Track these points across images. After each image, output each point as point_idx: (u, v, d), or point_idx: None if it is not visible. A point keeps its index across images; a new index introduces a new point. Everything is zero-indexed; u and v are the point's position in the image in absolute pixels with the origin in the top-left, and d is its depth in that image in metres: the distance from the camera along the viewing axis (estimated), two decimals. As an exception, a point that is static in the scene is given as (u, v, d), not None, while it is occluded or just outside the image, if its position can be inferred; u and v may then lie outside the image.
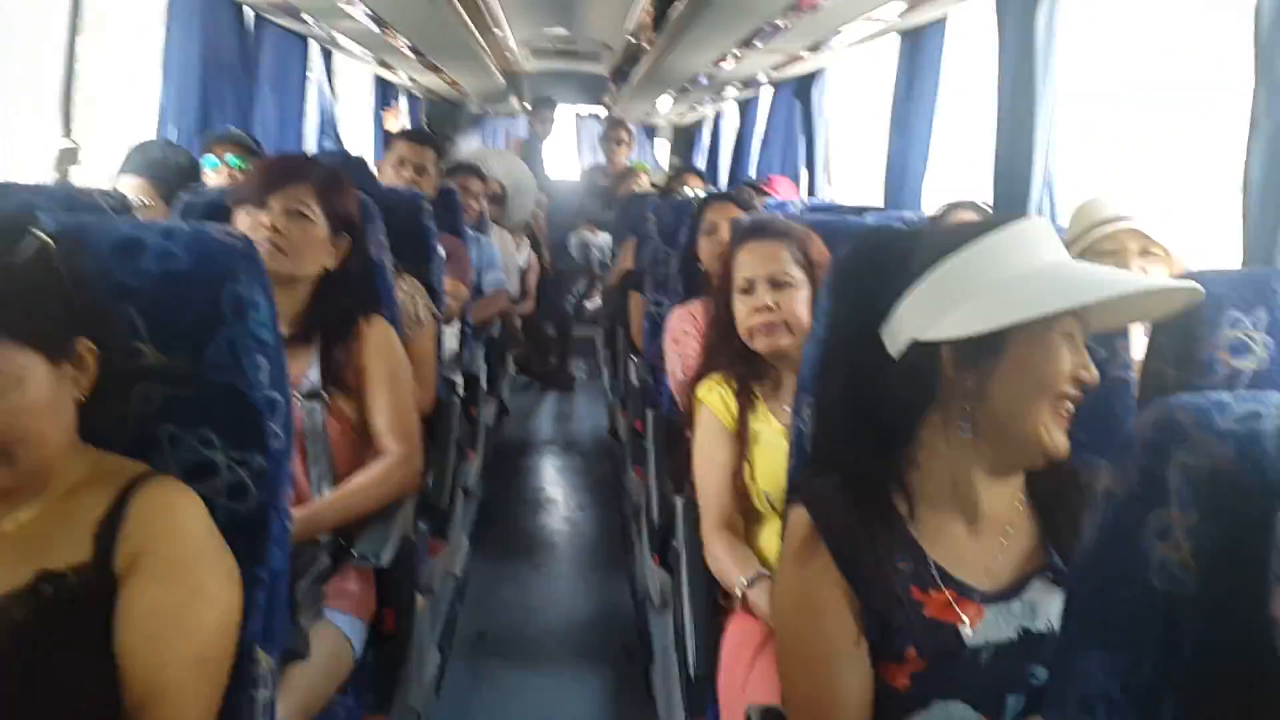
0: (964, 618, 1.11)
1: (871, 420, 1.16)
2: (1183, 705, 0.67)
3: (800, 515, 1.16)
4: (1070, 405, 1.09)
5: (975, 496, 1.15)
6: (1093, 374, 1.08)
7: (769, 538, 1.77)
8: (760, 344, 1.87)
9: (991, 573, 1.15)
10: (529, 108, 7.35)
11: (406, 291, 2.44)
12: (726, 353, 1.94)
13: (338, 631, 1.63)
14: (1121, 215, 1.99)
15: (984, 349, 1.11)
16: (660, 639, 2.47)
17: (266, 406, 1.20)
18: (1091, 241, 2.00)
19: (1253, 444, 0.67)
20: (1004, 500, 1.17)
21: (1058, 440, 1.09)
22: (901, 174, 4.02)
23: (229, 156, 2.89)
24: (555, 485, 4.30)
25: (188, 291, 1.20)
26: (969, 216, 3.00)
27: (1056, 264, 1.11)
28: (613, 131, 6.87)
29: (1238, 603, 0.65)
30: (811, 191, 5.25)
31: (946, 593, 1.12)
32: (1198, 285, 1.08)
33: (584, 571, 3.41)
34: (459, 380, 2.84)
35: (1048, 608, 1.14)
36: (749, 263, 1.90)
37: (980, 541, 1.16)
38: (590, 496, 4.13)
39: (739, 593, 1.65)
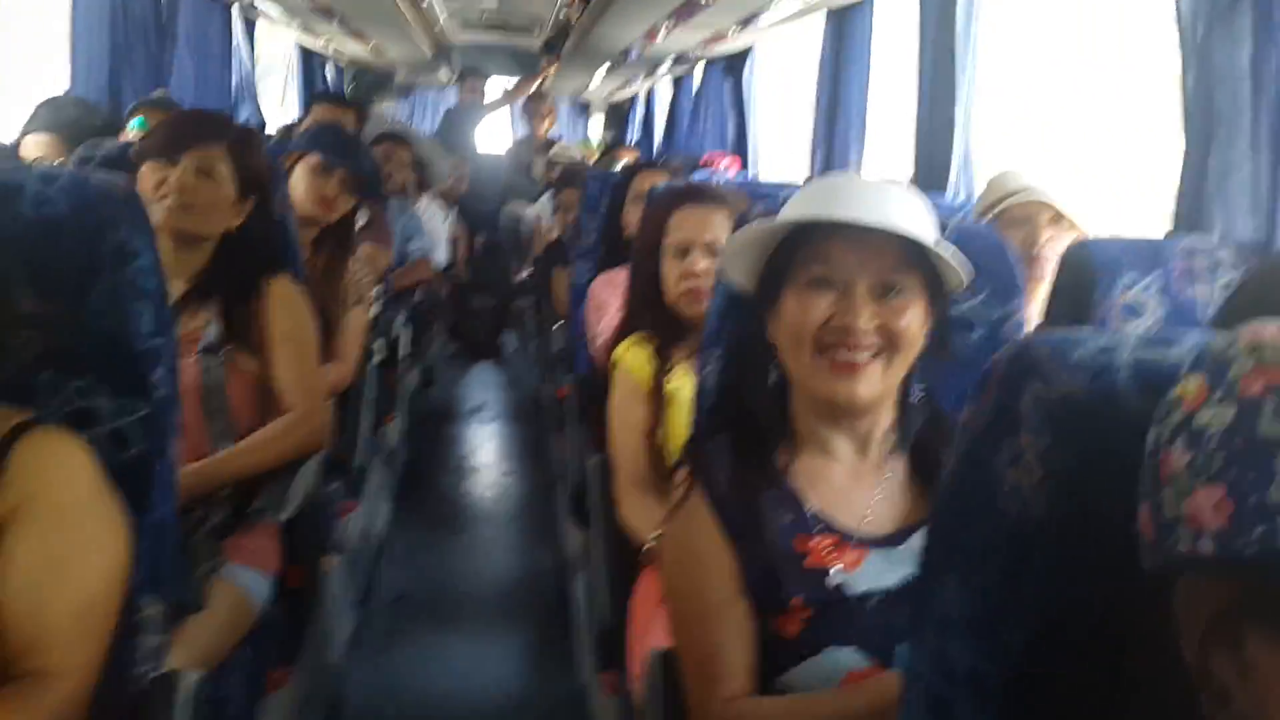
0: (831, 565, 1.13)
1: (762, 372, 1.19)
2: (1034, 626, 0.69)
3: (685, 474, 1.19)
4: (846, 352, 1.09)
5: (822, 438, 1.18)
6: (845, 320, 1.08)
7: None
8: (689, 309, 1.86)
9: (873, 519, 1.17)
10: (458, 79, 7.24)
11: (353, 269, 2.46)
12: (648, 314, 1.93)
13: (237, 586, 1.62)
14: (1031, 186, 2.02)
15: (763, 300, 1.17)
16: (580, 599, 2.49)
17: (150, 354, 1.18)
18: (1001, 211, 2.04)
19: (1105, 374, 0.69)
20: (862, 444, 1.18)
21: (837, 390, 1.10)
22: (830, 153, 4.04)
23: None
24: (483, 452, 4.30)
25: (67, 238, 1.17)
26: None
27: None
28: (534, 104, 6.82)
29: (1089, 524, 0.67)
30: (744, 168, 5.28)
31: (823, 539, 1.14)
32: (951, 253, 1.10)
33: (508, 535, 3.41)
34: (376, 346, 2.81)
35: None
36: (686, 226, 1.88)
37: (860, 489, 1.18)
38: (516, 463, 4.13)
39: (646, 548, 1.66)
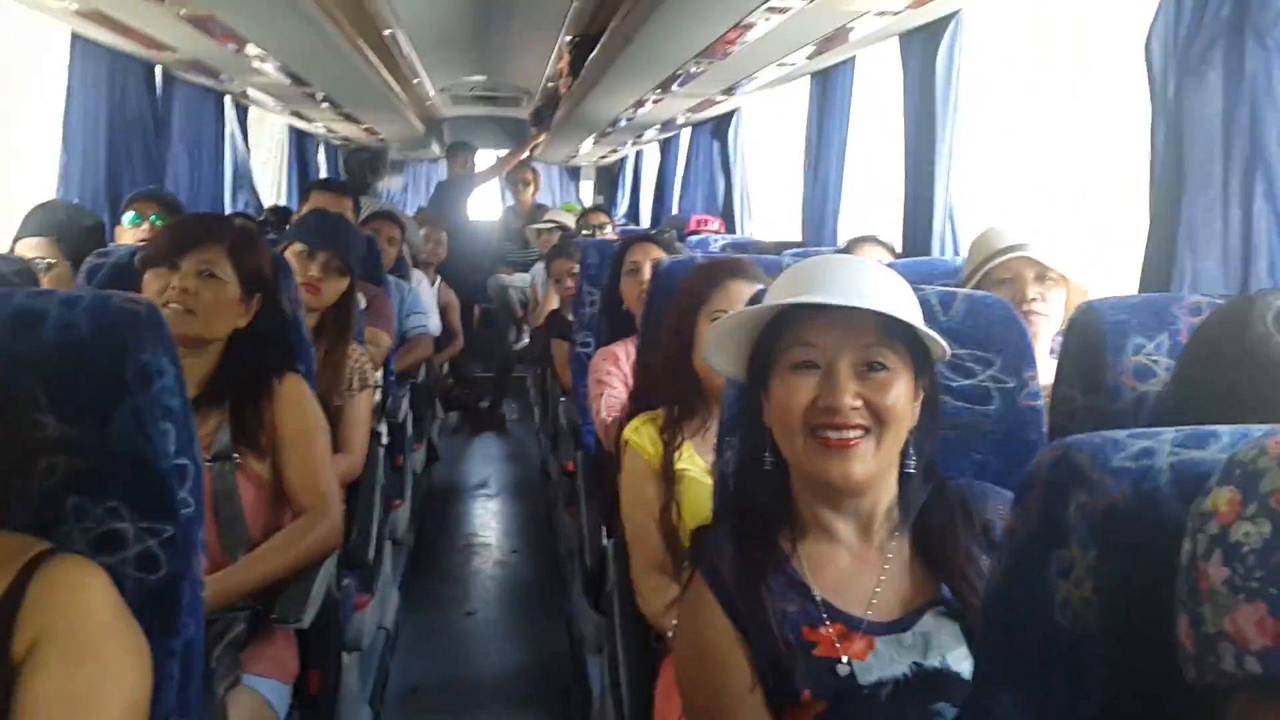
0: (840, 655, 1.11)
1: (761, 456, 1.20)
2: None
3: (689, 564, 1.19)
4: (835, 432, 1.10)
5: (824, 521, 1.18)
6: (829, 400, 1.09)
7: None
8: (717, 377, 1.84)
9: (880, 604, 1.15)
10: (447, 153, 7.32)
11: (354, 359, 2.43)
12: (667, 382, 1.90)
13: (258, 697, 1.58)
14: (1016, 244, 2.01)
15: (755, 385, 1.19)
16: (597, 682, 2.44)
17: (175, 474, 1.17)
18: (987, 271, 2.03)
19: (1146, 480, 0.69)
20: (864, 526, 1.18)
21: (830, 469, 1.11)
22: (817, 210, 4.10)
23: (152, 216, 2.88)
24: (488, 529, 4.25)
25: (90, 361, 1.16)
26: (871, 250, 3.06)
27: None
28: (517, 173, 6.90)
29: (1146, 634, 0.66)
30: (730, 229, 5.32)
31: (831, 628, 1.13)
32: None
33: (519, 617, 3.36)
34: (383, 430, 2.80)
35: (939, 641, 1.13)
36: (732, 299, 1.84)
37: (865, 572, 1.17)
38: (523, 539, 4.08)
39: (669, 635, 1.64)
